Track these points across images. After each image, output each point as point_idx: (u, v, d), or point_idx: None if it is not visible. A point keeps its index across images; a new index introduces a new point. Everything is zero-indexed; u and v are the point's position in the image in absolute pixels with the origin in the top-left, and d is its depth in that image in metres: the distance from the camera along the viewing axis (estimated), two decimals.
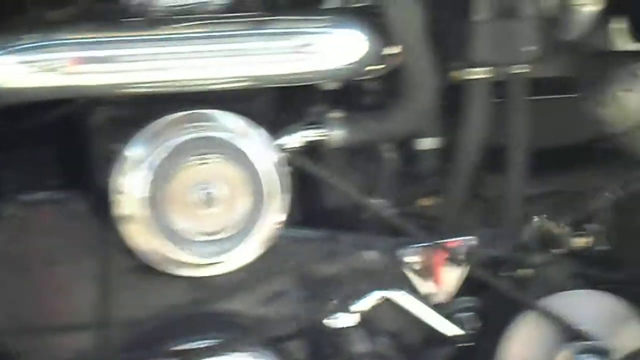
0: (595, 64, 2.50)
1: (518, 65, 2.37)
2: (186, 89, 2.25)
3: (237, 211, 2.27)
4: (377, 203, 2.49)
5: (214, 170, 2.26)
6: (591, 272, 2.66)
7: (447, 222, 2.50)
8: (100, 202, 2.29)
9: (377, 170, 2.55)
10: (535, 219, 2.53)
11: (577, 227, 2.81)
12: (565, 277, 2.48)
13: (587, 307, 2.44)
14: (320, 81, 2.36)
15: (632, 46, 2.65)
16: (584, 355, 2.39)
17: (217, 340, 2.29)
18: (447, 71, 2.45)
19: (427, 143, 2.55)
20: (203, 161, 2.25)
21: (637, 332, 2.44)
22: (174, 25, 2.22)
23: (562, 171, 2.90)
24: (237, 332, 2.32)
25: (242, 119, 2.29)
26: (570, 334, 2.41)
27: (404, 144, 2.56)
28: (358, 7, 2.36)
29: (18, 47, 2.16)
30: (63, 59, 2.16)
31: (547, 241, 2.63)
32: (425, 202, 2.81)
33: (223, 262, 2.30)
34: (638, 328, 2.44)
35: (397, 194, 2.60)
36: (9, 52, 2.15)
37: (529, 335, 2.43)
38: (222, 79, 2.26)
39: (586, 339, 2.39)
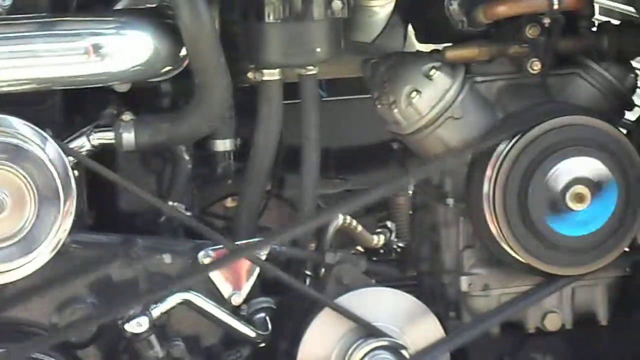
0: (388, 65, 2.52)
1: (309, 67, 2.40)
2: None
3: (25, 217, 2.21)
4: (174, 206, 2.47)
5: (0, 175, 2.19)
6: (386, 270, 2.69)
7: (245, 223, 2.49)
8: None
9: (173, 173, 2.53)
10: (334, 217, 2.55)
11: (376, 225, 2.86)
12: (361, 275, 2.49)
13: (381, 304, 2.44)
14: (110, 83, 2.31)
15: (424, 47, 2.71)
16: (379, 352, 2.41)
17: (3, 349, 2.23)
18: (240, 73, 2.45)
19: (222, 145, 2.55)
20: None
21: (430, 328, 2.48)
22: None
23: (360, 170, 2.93)
24: (27, 339, 2.26)
25: (29, 122, 2.22)
26: (366, 332, 2.43)
27: (199, 146, 2.55)
28: (149, 8, 2.34)
29: None
30: None
31: (345, 239, 2.64)
32: (229, 203, 2.81)
33: (12, 269, 2.24)
34: (431, 324, 2.48)
35: (194, 196, 2.58)
36: None
37: (326, 334, 2.43)
38: (8, 81, 2.20)
39: (381, 336, 2.41)
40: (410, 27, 2.73)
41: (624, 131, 2.49)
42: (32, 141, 2.19)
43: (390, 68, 2.50)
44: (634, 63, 2.57)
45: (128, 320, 2.30)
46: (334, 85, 3.00)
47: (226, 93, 2.31)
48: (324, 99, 2.99)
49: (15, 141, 2.17)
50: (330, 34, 2.37)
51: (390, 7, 2.90)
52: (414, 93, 2.44)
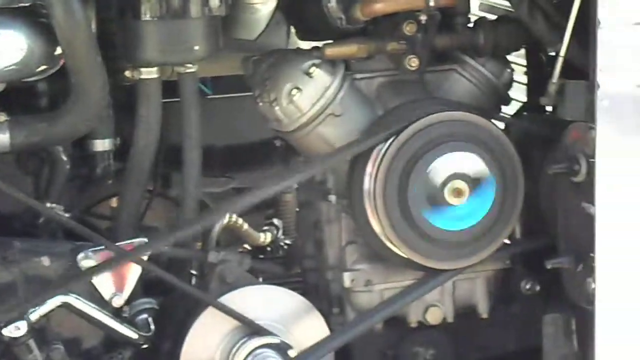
0: (269, 63, 2.51)
1: (188, 65, 2.37)
2: None
3: None
4: (52, 207, 2.42)
5: None
6: (272, 267, 2.68)
7: (125, 223, 2.45)
8: None
9: (51, 174, 2.48)
10: (219, 216, 2.52)
11: (262, 223, 2.84)
12: (245, 273, 2.48)
13: (265, 302, 2.43)
14: None
15: (305, 44, 2.70)
16: (262, 350, 2.39)
17: None
18: (119, 71, 2.41)
19: (101, 144, 2.51)
20: None
21: (315, 325, 2.47)
22: None
23: (246, 168, 2.91)
24: None
25: None
26: (249, 330, 2.41)
27: (78, 146, 2.51)
28: (22, 7, 2.28)
29: None
30: None
31: (232, 238, 2.62)
32: (114, 203, 2.77)
33: None
34: (316, 321, 2.47)
35: (75, 197, 2.54)
36: None
37: (209, 333, 2.40)
38: None
39: (264, 334, 2.40)
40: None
41: (502, 126, 2.52)
42: None
43: (270, 66, 2.48)
44: (510, 58, 2.62)
45: (6, 325, 2.26)
46: (219, 83, 2.99)
47: (103, 92, 2.27)
48: (208, 96, 2.98)
49: None
50: (209, 32, 2.34)
51: (272, 4, 2.88)
52: (295, 90, 2.42)
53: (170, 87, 2.45)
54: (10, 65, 2.19)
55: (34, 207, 2.34)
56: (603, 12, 2.20)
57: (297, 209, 2.81)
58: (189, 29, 2.30)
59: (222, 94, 2.94)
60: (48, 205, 2.41)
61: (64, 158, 2.43)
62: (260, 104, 2.48)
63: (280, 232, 2.84)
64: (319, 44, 2.51)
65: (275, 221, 2.85)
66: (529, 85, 2.62)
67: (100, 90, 2.27)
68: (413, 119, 2.37)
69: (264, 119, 2.52)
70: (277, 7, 2.62)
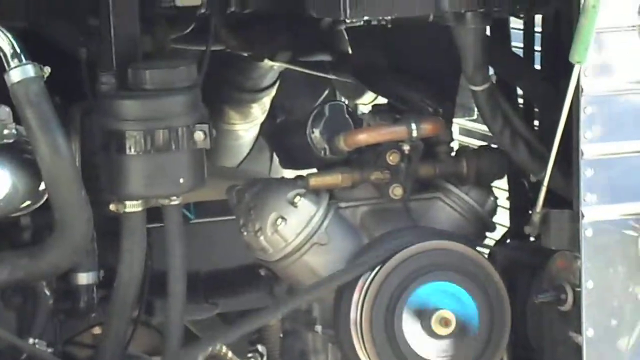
0: (253, 192, 2.48)
1: (173, 197, 2.34)
2: None
3: None
4: (34, 343, 2.36)
5: None
6: None
7: (110, 354, 2.39)
8: None
9: (34, 309, 2.42)
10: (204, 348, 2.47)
11: (246, 349, 2.80)
12: None
13: None
14: None
15: (288, 173, 2.68)
16: None
17: None
18: (102, 203, 2.38)
19: (84, 278, 2.45)
20: None
21: None
22: None
23: (230, 293, 2.86)
24: None
25: None
26: None
27: (61, 280, 2.46)
28: (7, 144, 2.24)
29: None
30: None
31: None
32: (96, 330, 2.72)
33: None
34: None
35: (57, 330, 2.48)
36: None
37: None
38: None
39: None
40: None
41: (486, 253, 2.50)
42: None
43: (255, 195, 2.45)
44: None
45: None
46: (201, 207, 2.97)
47: (87, 227, 2.23)
48: (191, 221, 2.96)
49: None
50: (194, 164, 2.31)
51: (255, 131, 2.89)
52: (280, 220, 2.40)
53: (154, 212, 2.45)
54: None
55: (17, 344, 2.29)
56: (585, 143, 2.22)
57: (282, 335, 2.77)
58: (174, 162, 2.27)
59: (205, 218, 2.93)
60: (30, 340, 2.36)
61: (47, 293, 2.38)
62: (245, 233, 2.44)
63: (265, 359, 2.81)
64: (303, 172, 2.52)
65: (260, 347, 2.81)
66: (511, 211, 2.61)
67: (84, 225, 2.23)
68: (398, 249, 2.35)
69: (248, 249, 2.50)
70: (260, 134, 2.63)
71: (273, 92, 2.93)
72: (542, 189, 2.29)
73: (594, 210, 2.22)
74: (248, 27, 2.62)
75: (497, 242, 2.61)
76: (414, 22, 2.30)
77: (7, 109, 2.25)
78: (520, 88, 2.51)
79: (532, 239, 2.41)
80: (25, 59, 2.18)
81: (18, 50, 2.19)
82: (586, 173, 2.21)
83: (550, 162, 2.27)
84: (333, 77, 2.78)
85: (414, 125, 2.39)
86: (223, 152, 2.83)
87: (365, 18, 2.23)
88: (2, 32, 2.18)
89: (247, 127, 2.93)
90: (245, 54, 2.74)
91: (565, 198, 2.30)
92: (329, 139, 2.42)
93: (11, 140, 2.23)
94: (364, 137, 2.39)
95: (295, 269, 2.43)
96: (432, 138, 2.43)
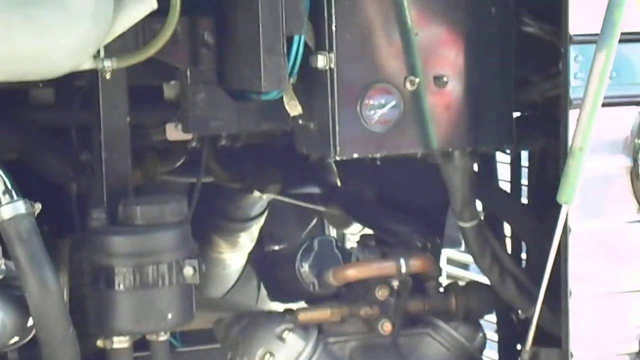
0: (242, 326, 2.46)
1: (160, 333, 2.31)
2: None
3: None
4: None
5: None
6: None
7: None
8: None
9: None
10: None
11: None
12: None
13: None
14: None
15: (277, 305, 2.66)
16: None
17: None
18: (89, 337, 2.34)
19: None
20: None
21: None
22: None
23: None
24: None
25: None
26: None
27: None
28: None
29: None
30: None
31: None
32: None
33: None
34: None
35: None
36: None
37: None
38: None
39: None
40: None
41: None
42: None
43: (243, 329, 2.42)
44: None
45: None
46: (187, 336, 2.93)
47: None
48: (177, 349, 2.92)
49: None
50: (183, 300, 2.27)
51: (243, 260, 2.87)
52: (268, 355, 2.36)
53: None
54: None
55: None
56: (574, 282, 2.21)
57: None
58: (163, 298, 2.24)
59: (191, 347, 2.89)
60: None
61: None
62: None
63: None
64: (292, 305, 2.49)
65: None
66: (500, 346, 2.59)
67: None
68: None
69: None
70: (247, 263, 2.61)
71: (262, 221, 2.93)
72: (531, 326, 2.27)
73: (584, 349, 2.21)
74: (238, 160, 2.63)
75: None
76: (402, 158, 2.32)
77: None
78: (508, 223, 2.52)
79: None
80: (17, 196, 2.17)
81: (10, 187, 2.16)
82: (575, 312, 2.21)
83: (539, 300, 2.26)
84: (322, 208, 2.79)
85: (403, 262, 2.38)
86: (210, 280, 2.80)
87: (355, 156, 2.24)
88: None
89: (235, 256, 2.91)
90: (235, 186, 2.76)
91: (554, 335, 2.29)
92: (318, 274, 2.42)
93: (0, 277, 2.23)
94: (353, 273, 2.38)
95: None
96: (420, 274, 2.44)
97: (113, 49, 2.16)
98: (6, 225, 2.16)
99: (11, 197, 2.17)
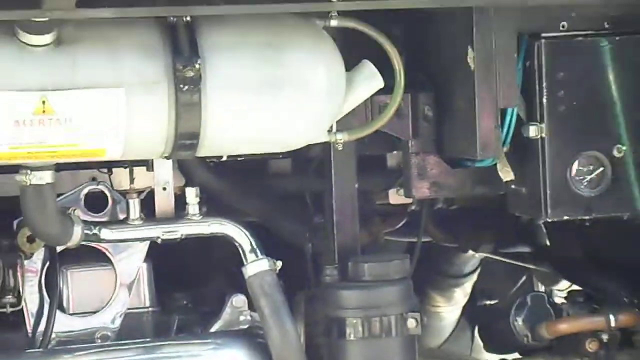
0: None
1: None
2: None
3: None
4: None
5: None
6: None
7: None
8: None
9: None
10: None
11: None
12: None
13: None
14: None
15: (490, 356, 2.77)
16: None
17: None
18: None
19: None
20: None
21: None
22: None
23: None
24: None
25: None
26: None
27: None
28: (242, 329, 2.42)
29: None
30: None
31: None
32: None
33: None
34: None
35: None
36: None
37: None
38: None
39: None
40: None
41: None
42: None
43: None
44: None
45: None
46: None
47: None
48: None
49: None
50: (406, 350, 2.41)
51: (457, 313, 3.00)
52: None
53: None
54: None
55: None
56: None
57: None
58: (388, 348, 2.39)
59: None
60: None
61: None
62: None
63: None
64: (505, 356, 2.61)
65: None
66: None
67: None
68: None
69: None
70: (462, 316, 2.73)
71: (475, 277, 3.06)
72: None
73: None
74: (454, 221, 2.77)
75: None
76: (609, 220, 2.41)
77: (243, 297, 2.47)
78: None
79: None
80: (261, 254, 2.39)
81: (255, 246, 2.40)
82: None
83: None
84: (532, 267, 2.90)
85: (612, 317, 2.47)
86: (428, 332, 2.94)
87: (565, 218, 2.35)
88: (242, 230, 2.40)
89: (450, 309, 3.05)
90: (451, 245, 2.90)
91: None
92: (532, 327, 2.53)
93: (246, 326, 2.45)
94: (565, 327, 2.49)
95: None
96: (628, 327, 2.51)
97: (344, 123, 2.37)
98: (252, 280, 2.39)
99: (256, 255, 2.40)
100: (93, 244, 2.36)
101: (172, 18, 2.14)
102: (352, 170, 2.45)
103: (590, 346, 2.47)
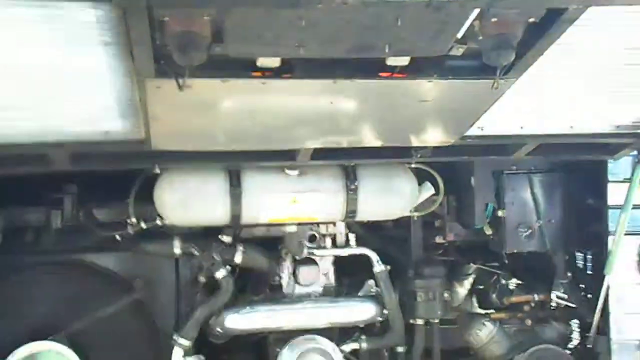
0: None
1: None
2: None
3: None
4: None
5: None
6: None
7: None
8: None
9: None
10: None
11: None
12: None
13: None
14: None
15: None
16: None
17: None
18: None
19: None
20: None
21: None
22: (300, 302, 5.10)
23: None
24: None
25: None
26: None
27: None
28: None
29: None
30: None
31: None
32: None
33: None
34: None
35: None
36: None
37: None
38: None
39: None
40: None
41: None
42: None
43: None
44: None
45: None
46: None
47: None
48: None
49: None
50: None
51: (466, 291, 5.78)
52: None
53: None
54: None
55: None
56: None
57: None
58: None
59: None
60: None
61: None
62: None
63: None
64: None
65: None
66: None
67: None
68: None
69: None
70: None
71: (473, 277, 5.85)
72: None
73: None
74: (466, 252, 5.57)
75: None
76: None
77: (372, 282, 5.32)
78: None
79: None
80: (380, 263, 5.27)
81: (378, 259, 5.27)
82: None
83: None
84: (499, 272, 5.65)
85: (535, 296, 5.27)
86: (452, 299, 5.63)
87: (515, 251, 5.14)
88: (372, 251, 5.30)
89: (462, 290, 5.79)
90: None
91: None
92: (500, 298, 5.33)
93: (374, 294, 5.26)
94: (515, 299, 5.30)
95: None
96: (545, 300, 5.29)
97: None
98: (378, 274, 5.24)
99: (378, 263, 5.25)
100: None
101: None
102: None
103: (526, 308, 5.26)
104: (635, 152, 4.75)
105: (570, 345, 5.38)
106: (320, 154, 4.43)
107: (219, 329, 5.00)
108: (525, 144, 4.51)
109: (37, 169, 4.03)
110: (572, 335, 5.27)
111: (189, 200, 4.70)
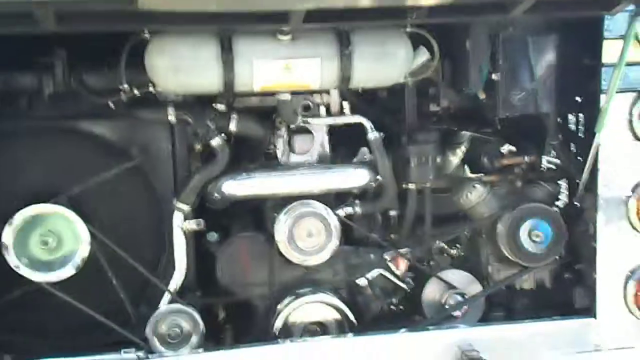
0: None
1: None
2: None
3: None
4: None
5: None
6: None
7: None
8: None
9: None
10: None
11: None
12: None
13: None
14: None
15: None
16: None
17: None
18: None
19: None
20: None
21: None
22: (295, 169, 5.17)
23: None
24: None
25: None
26: None
27: None
28: None
29: None
30: None
31: None
32: None
33: None
34: None
35: None
36: None
37: None
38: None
39: None
40: None
41: None
42: None
43: None
44: None
45: None
46: None
47: None
48: None
49: None
50: None
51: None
52: None
53: None
54: None
55: None
56: None
57: None
58: None
59: None
60: None
61: None
62: None
63: None
64: None
65: None
66: None
67: None
68: None
69: None
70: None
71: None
72: None
73: None
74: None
75: None
76: None
77: (366, 149, 5.38)
78: None
79: None
80: (375, 130, 5.33)
81: (372, 126, 5.32)
82: None
83: None
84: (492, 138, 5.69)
85: (526, 158, 5.35)
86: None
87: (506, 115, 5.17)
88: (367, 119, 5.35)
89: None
90: None
91: None
92: (491, 161, 5.40)
93: (369, 161, 5.33)
94: (506, 161, 5.38)
95: None
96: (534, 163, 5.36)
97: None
98: (371, 140, 5.34)
99: (372, 130, 5.30)
100: None
101: None
102: None
103: (516, 170, 5.35)
104: (632, 7, 4.69)
105: (558, 204, 5.44)
106: (312, 17, 4.38)
107: (216, 195, 5.11)
108: (522, 1, 4.45)
109: (22, 29, 4.06)
110: (560, 195, 5.31)
111: (180, 66, 4.69)
